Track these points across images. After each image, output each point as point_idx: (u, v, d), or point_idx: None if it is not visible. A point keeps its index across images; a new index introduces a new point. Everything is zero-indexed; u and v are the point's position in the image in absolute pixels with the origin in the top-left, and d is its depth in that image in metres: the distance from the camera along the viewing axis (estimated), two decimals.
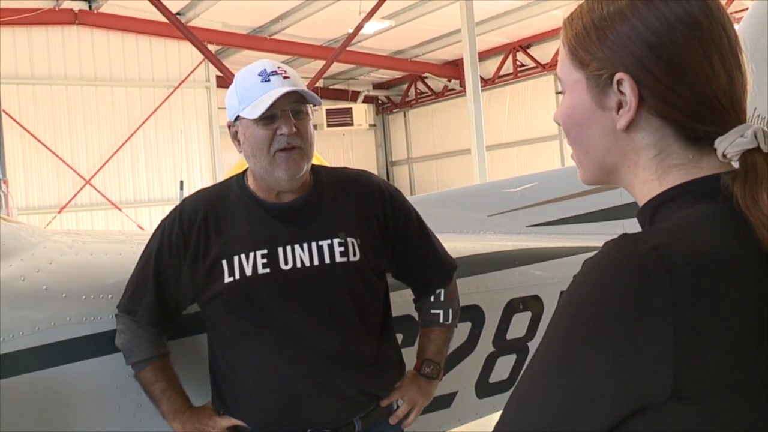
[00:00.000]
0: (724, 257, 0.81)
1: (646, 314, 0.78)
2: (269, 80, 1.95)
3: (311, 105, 2.03)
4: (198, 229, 2.03)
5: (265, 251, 1.99)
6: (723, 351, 0.77)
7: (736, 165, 0.88)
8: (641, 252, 0.80)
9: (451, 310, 2.25)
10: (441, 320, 2.24)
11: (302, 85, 2.01)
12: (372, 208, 2.11)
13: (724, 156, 0.88)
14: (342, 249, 2.01)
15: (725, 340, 0.77)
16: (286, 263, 1.99)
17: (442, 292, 2.25)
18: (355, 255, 2.02)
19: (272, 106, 1.92)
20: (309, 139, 2.01)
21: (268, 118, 1.94)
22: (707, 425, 0.78)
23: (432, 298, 2.25)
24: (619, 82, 0.91)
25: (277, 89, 1.93)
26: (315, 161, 2.11)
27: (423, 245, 2.21)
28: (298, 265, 1.99)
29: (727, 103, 0.89)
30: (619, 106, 0.92)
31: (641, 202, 0.96)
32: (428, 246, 2.22)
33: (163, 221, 2.11)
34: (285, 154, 1.96)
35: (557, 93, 1.09)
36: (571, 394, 0.81)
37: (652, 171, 0.93)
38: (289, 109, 1.96)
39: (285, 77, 1.96)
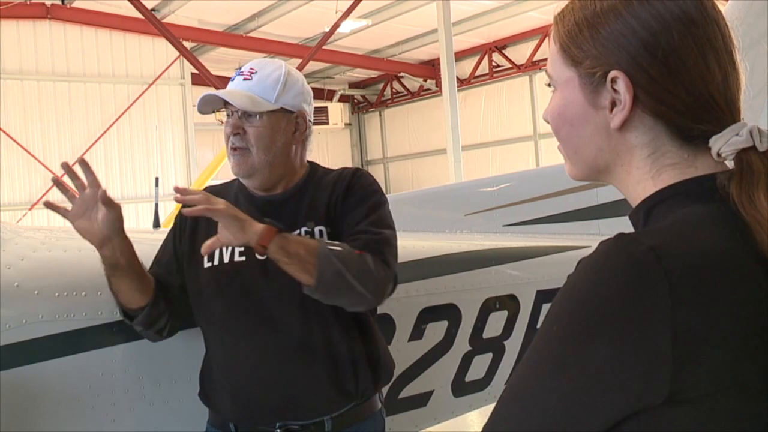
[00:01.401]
0: (722, 259, 0.79)
1: (643, 316, 0.76)
2: (233, 80, 2.05)
3: (280, 108, 2.02)
4: (195, 218, 2.07)
5: None
6: (720, 354, 0.76)
7: (730, 164, 0.87)
8: (639, 252, 0.79)
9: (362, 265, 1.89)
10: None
11: (263, 87, 2.00)
12: (337, 197, 2.05)
13: (719, 155, 0.87)
14: (308, 238, 1.99)
15: (723, 343, 0.76)
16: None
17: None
18: None
19: (227, 104, 2.00)
20: (258, 142, 2.00)
21: (228, 116, 2.02)
22: (702, 429, 0.77)
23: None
24: (613, 81, 0.89)
25: (216, 91, 2.02)
26: None
27: (361, 227, 1.99)
28: None
29: (722, 102, 0.88)
30: (613, 104, 0.90)
31: (634, 202, 0.94)
32: (369, 230, 1.99)
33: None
34: (231, 152, 2.04)
35: (547, 85, 1.06)
36: (564, 397, 0.79)
37: (646, 170, 0.92)
38: (239, 111, 1.99)
39: (245, 78, 2.03)
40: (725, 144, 0.86)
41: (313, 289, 1.86)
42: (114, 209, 1.90)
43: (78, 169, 1.90)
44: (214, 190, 2.19)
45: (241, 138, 2.01)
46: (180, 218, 2.14)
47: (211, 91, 2.04)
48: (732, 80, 0.89)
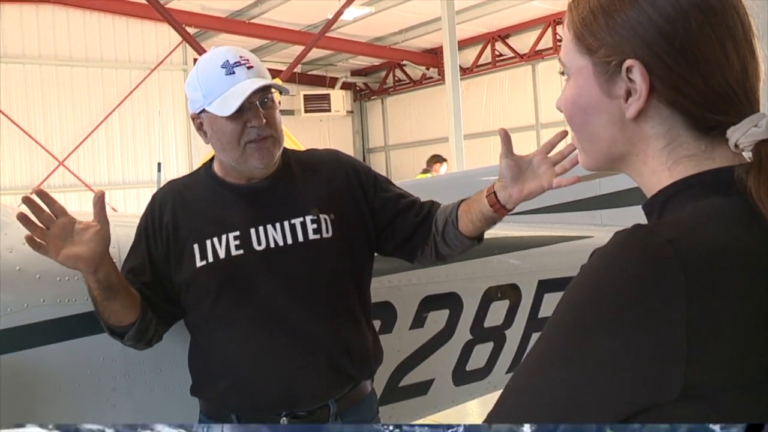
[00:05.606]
0: (739, 253, 0.77)
1: (658, 310, 0.74)
2: (234, 72, 1.92)
3: (277, 91, 2.02)
4: (168, 216, 2.04)
5: (237, 233, 1.99)
6: (736, 350, 0.75)
7: (748, 156, 0.85)
8: (656, 245, 0.77)
9: None
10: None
11: (266, 74, 2.00)
12: (345, 183, 2.09)
13: (736, 146, 0.85)
14: (315, 226, 2.00)
15: (739, 339, 0.75)
16: (259, 244, 1.99)
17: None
18: (327, 231, 2.01)
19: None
20: (278, 126, 2.00)
21: (237, 111, 1.91)
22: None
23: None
24: (629, 70, 0.87)
25: (244, 83, 1.91)
26: (291, 145, 2.10)
27: (405, 205, 2.15)
28: (272, 245, 1.99)
29: (740, 92, 0.86)
30: (628, 94, 0.88)
31: (649, 193, 0.92)
32: (409, 203, 2.17)
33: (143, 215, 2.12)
34: (256, 144, 1.96)
35: (560, 73, 1.04)
36: (573, 389, 0.77)
37: (662, 161, 0.89)
38: (257, 101, 1.94)
39: (249, 67, 1.95)
40: (743, 135, 0.84)
41: (470, 243, 2.07)
42: (106, 222, 1.83)
43: (38, 201, 1.76)
44: (182, 183, 2.15)
45: (268, 126, 1.96)
46: (152, 220, 2.06)
47: (243, 84, 1.91)
48: (751, 70, 0.87)
